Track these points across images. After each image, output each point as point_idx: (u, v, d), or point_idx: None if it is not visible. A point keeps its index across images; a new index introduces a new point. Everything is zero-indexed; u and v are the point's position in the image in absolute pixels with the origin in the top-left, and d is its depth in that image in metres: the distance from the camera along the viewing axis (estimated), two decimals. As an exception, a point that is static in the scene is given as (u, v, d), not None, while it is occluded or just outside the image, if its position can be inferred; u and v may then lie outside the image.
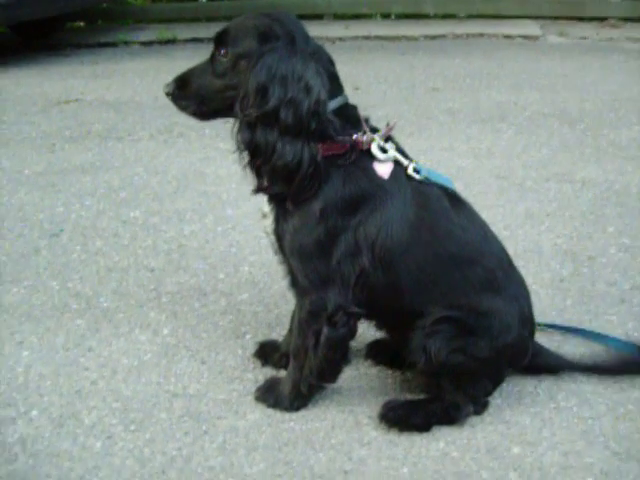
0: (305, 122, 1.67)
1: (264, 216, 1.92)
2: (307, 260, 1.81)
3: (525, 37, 7.44)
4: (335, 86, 1.80)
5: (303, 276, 1.84)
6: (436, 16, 8.51)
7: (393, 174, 1.80)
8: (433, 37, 7.58)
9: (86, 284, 2.70)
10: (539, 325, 2.15)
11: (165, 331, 2.40)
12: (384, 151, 1.81)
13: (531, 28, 7.74)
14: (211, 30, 2.04)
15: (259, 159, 1.73)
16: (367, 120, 1.86)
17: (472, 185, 3.58)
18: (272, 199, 1.85)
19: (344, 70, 1.96)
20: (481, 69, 6.09)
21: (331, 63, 1.82)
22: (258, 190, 1.82)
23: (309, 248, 1.80)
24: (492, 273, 1.86)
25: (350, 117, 1.82)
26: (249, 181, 1.82)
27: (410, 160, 1.86)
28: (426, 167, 1.88)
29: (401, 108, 4.95)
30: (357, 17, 8.71)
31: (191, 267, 2.82)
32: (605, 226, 3.15)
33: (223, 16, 8.18)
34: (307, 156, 1.69)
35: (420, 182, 1.84)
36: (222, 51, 1.78)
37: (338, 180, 1.77)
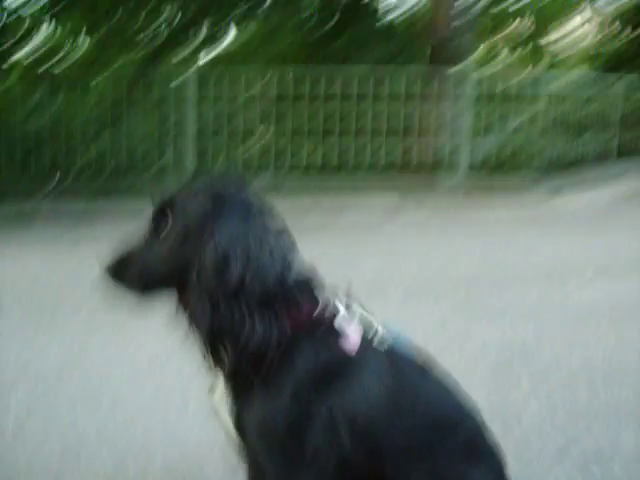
0: (272, 293, 1.51)
1: (213, 395, 1.68)
2: (276, 447, 1.56)
3: (387, 208, 7.85)
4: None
5: (272, 466, 1.58)
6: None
7: (362, 342, 1.63)
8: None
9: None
10: None
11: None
12: (349, 318, 1.65)
13: (389, 200, 8.21)
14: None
15: (223, 339, 1.52)
16: (324, 285, 1.71)
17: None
18: (230, 380, 1.61)
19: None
20: (352, 242, 6.27)
21: (283, 225, 1.69)
22: (225, 376, 1.58)
23: (279, 433, 1.55)
24: (472, 437, 1.71)
25: (309, 283, 1.66)
26: (208, 367, 1.60)
27: (375, 325, 1.71)
28: (389, 329, 1.76)
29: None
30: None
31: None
32: (519, 381, 3.14)
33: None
34: (276, 331, 1.51)
35: (388, 347, 1.68)
36: (168, 222, 1.58)
37: (306, 354, 1.57)
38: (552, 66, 19.93)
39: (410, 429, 1.63)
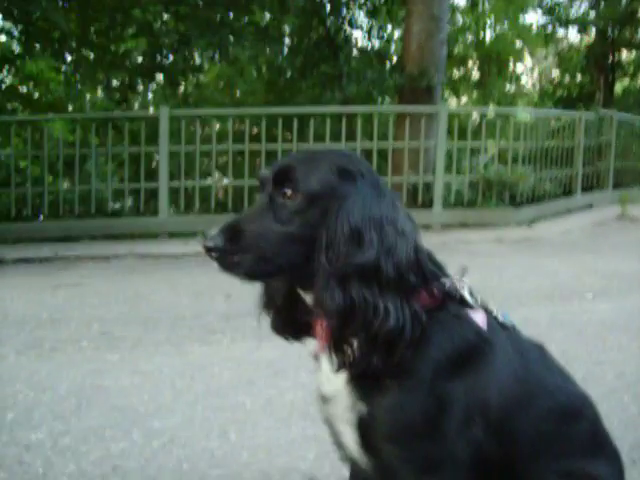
0: (406, 274, 1.38)
1: (326, 401, 1.53)
2: (412, 442, 1.41)
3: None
4: None
5: (406, 464, 1.43)
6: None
7: (488, 323, 1.53)
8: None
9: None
10: None
11: None
12: (472, 300, 1.54)
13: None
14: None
15: (352, 324, 1.36)
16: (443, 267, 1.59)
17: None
18: (355, 376, 1.45)
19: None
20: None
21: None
22: (342, 367, 1.42)
23: (416, 426, 1.41)
24: (595, 426, 1.61)
25: (433, 262, 1.54)
26: (330, 359, 1.43)
27: (494, 308, 1.61)
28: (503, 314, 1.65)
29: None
30: (193, 235, 8.69)
31: (140, 492, 2.22)
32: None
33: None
34: (410, 315, 1.37)
35: (509, 329, 1.59)
36: (287, 191, 1.42)
37: (439, 336, 1.44)
38: (513, 103, 20.60)
39: (539, 416, 1.52)
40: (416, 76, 9.24)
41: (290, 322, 1.60)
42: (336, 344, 1.41)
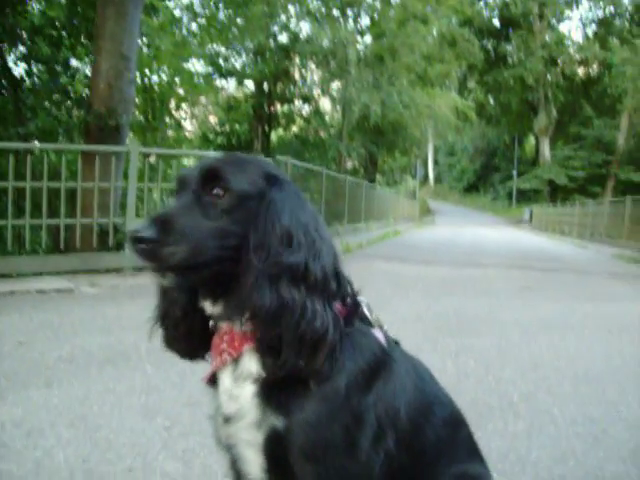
0: (329, 279, 1.43)
1: (228, 421, 1.46)
2: (330, 458, 1.41)
3: (60, 290, 7.26)
4: None
5: None
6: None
7: (385, 339, 1.62)
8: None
9: None
10: None
11: None
12: (371, 316, 1.63)
13: (61, 282, 7.61)
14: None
15: (281, 324, 1.36)
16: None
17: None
18: (266, 388, 1.43)
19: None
20: (46, 321, 5.69)
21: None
22: (269, 370, 1.41)
23: (335, 440, 1.41)
24: (470, 435, 1.78)
25: (345, 278, 1.59)
26: (258, 362, 1.42)
27: (384, 326, 1.70)
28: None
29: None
30: None
31: None
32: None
33: None
34: (333, 319, 1.41)
35: (398, 345, 1.70)
36: (216, 190, 1.41)
37: (352, 350, 1.49)
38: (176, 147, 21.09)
39: (438, 424, 1.64)
40: (104, 115, 8.96)
41: (187, 337, 1.55)
42: (262, 345, 1.40)
